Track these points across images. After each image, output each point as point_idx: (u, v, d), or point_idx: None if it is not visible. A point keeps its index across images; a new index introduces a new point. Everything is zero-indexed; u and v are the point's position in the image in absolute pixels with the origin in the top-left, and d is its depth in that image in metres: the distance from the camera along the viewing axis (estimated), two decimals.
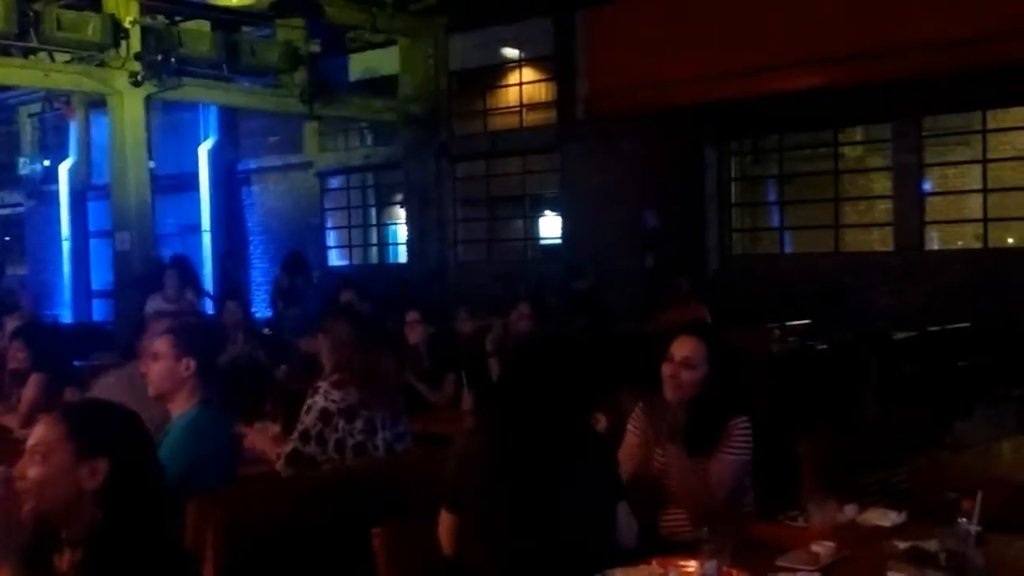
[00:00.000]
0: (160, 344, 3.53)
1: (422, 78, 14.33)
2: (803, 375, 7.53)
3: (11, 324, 5.96)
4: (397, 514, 3.22)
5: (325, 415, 3.93)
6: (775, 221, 12.91)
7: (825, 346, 8.31)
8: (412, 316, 6.65)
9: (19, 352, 5.59)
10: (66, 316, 18.19)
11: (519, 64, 14.28)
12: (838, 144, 12.20)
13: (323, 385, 4.01)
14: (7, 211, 21.23)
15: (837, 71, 10.31)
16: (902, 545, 2.84)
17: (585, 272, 10.87)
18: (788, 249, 12.70)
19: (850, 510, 3.20)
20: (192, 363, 3.49)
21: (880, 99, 10.95)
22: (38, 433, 2.15)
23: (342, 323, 4.21)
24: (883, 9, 9.84)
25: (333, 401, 3.94)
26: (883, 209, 11.81)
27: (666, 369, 3.55)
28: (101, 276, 17.47)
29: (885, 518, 3.13)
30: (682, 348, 3.55)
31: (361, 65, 15.11)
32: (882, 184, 11.91)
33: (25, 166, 19.40)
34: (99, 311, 18.02)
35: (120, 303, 13.04)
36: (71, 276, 18.89)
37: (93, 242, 18.35)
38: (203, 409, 3.50)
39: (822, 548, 2.81)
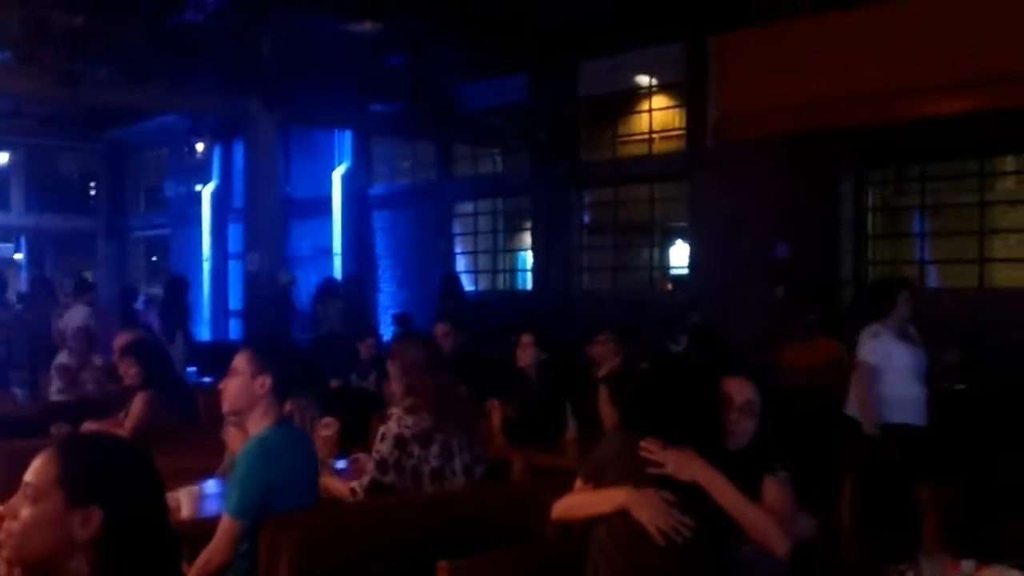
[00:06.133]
0: (238, 360, 3.45)
1: (551, 104, 14.26)
2: (937, 417, 7.06)
3: (122, 340, 6.05)
4: (471, 548, 3.06)
5: (400, 441, 3.79)
6: (915, 254, 12.29)
7: (963, 386, 7.80)
8: (526, 339, 6.50)
9: (130, 368, 5.65)
10: (204, 334, 18.77)
11: (649, 90, 14.08)
12: (985, 174, 11.54)
13: (396, 411, 3.88)
14: (154, 232, 22.13)
15: (985, 95, 9.73)
16: None
17: (698, 305, 10.53)
18: (929, 284, 12.05)
19: (967, 566, 2.88)
20: (268, 381, 3.41)
21: None
22: (34, 468, 1.93)
23: (412, 347, 4.07)
24: None
25: (407, 427, 3.80)
26: None
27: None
28: (239, 296, 17.98)
29: None
30: (743, 391, 3.29)
31: (491, 91, 15.13)
32: None
33: (171, 189, 20.19)
34: (236, 330, 18.54)
35: (249, 323, 13.35)
36: (210, 296, 19.50)
37: (231, 263, 18.91)
38: (276, 430, 3.41)
39: None
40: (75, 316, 10.22)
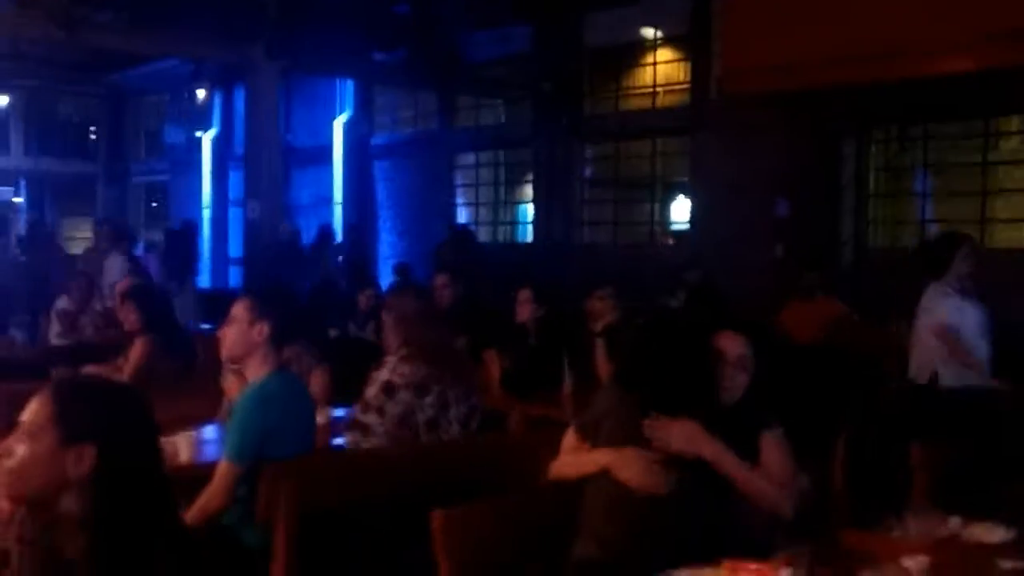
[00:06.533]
0: (237, 307, 3.48)
1: (555, 56, 14.16)
2: None
3: (122, 285, 6.06)
4: (465, 497, 3.10)
5: (388, 388, 3.84)
6: (917, 214, 12.26)
7: None
8: (524, 295, 6.53)
9: (130, 314, 5.67)
10: (205, 282, 18.79)
11: (654, 44, 13.97)
12: (988, 135, 11.48)
13: (391, 359, 3.92)
14: (153, 179, 22.08)
15: (991, 53, 9.65)
16: (1005, 564, 2.57)
17: (699, 261, 10.50)
18: None
19: (954, 523, 2.92)
20: (266, 329, 3.44)
21: None
22: (30, 409, 1.98)
23: (406, 299, 4.12)
24: None
25: (400, 375, 3.84)
26: None
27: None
28: (240, 244, 17.96)
29: (992, 534, 2.84)
30: (737, 346, 3.28)
31: (495, 41, 15.01)
32: None
33: (171, 135, 20.10)
34: (236, 278, 18.56)
35: (250, 270, 13.36)
36: (210, 243, 19.49)
37: (232, 210, 18.88)
38: (273, 377, 3.44)
39: (914, 562, 2.55)
40: (113, 266, 9.67)
